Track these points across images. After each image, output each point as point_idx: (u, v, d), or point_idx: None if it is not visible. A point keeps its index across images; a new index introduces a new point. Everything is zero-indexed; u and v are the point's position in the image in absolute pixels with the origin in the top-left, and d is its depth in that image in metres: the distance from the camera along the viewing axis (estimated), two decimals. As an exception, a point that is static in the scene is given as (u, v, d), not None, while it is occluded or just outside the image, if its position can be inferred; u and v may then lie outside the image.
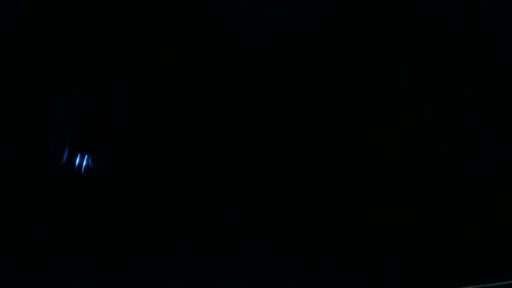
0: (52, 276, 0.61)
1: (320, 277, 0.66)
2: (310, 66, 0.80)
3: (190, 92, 0.81)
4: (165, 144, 0.76)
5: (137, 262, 0.65)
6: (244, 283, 0.64)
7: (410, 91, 0.83)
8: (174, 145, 0.76)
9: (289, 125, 0.81)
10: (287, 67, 0.81)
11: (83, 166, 0.72)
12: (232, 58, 0.78)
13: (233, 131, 0.79)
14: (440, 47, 0.88)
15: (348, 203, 0.77)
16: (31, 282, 0.60)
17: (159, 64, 0.81)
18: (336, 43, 0.88)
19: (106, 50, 0.79)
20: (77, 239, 0.66)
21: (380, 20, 0.88)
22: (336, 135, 0.79)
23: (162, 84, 0.81)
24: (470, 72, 0.88)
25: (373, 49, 0.87)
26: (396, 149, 0.85)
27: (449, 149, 0.87)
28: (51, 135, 0.74)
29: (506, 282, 0.67)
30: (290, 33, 0.88)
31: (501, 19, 0.90)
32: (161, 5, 0.80)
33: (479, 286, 0.66)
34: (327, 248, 0.71)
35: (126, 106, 0.77)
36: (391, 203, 0.79)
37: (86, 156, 0.73)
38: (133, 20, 0.81)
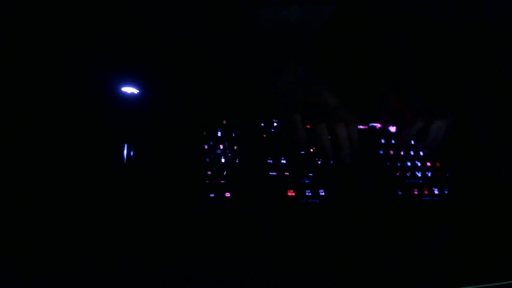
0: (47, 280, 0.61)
1: (319, 277, 0.66)
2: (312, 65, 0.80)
3: (191, 91, 0.81)
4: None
5: (137, 263, 0.65)
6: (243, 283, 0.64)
7: (410, 90, 0.84)
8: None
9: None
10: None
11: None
12: (231, 57, 0.78)
13: (234, 129, 0.80)
14: (439, 47, 0.88)
15: (347, 203, 0.77)
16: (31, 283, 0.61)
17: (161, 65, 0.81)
18: (337, 43, 0.89)
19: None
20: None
21: (379, 19, 0.88)
22: (338, 134, 0.79)
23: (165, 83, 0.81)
24: (470, 72, 0.88)
25: (372, 49, 0.87)
26: (396, 149, 0.85)
27: (449, 149, 0.87)
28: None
29: (506, 282, 0.67)
30: (293, 32, 0.88)
31: (501, 19, 0.90)
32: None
33: (479, 286, 0.66)
34: (326, 248, 0.71)
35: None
36: (390, 203, 0.79)
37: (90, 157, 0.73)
38: (135, 20, 0.81)
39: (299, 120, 0.74)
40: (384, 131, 0.86)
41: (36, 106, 0.75)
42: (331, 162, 0.76)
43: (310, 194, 0.76)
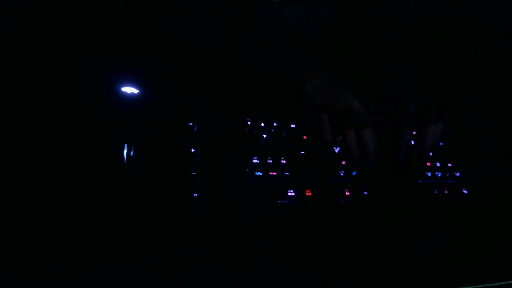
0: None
1: (319, 277, 0.66)
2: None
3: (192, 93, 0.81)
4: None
5: (137, 264, 0.65)
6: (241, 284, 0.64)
7: (409, 90, 0.84)
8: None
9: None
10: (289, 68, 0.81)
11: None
12: (229, 59, 0.78)
13: (236, 131, 0.80)
14: (440, 47, 0.88)
15: (346, 203, 0.77)
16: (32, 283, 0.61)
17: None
18: (337, 45, 0.89)
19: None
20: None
21: (378, 20, 0.88)
22: (338, 135, 0.79)
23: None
24: (470, 72, 0.88)
25: (371, 49, 0.87)
26: (396, 149, 0.85)
27: (449, 149, 0.87)
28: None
29: (506, 282, 0.67)
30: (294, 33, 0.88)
31: (501, 18, 0.90)
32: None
33: (479, 286, 0.66)
34: (326, 248, 0.71)
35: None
36: (390, 203, 0.80)
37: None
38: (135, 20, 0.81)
39: (326, 122, 0.75)
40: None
41: (36, 106, 0.75)
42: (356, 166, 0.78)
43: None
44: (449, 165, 0.87)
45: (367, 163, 0.77)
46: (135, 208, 0.70)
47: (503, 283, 0.66)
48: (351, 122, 0.75)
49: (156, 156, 0.74)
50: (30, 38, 0.78)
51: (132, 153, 0.74)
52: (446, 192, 0.83)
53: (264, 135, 0.81)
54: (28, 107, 0.75)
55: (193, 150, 0.76)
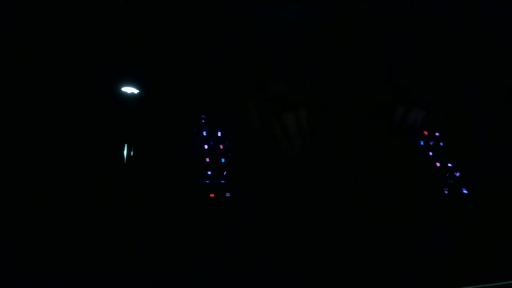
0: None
1: (319, 276, 0.66)
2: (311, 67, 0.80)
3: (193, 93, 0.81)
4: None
5: (138, 264, 0.65)
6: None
7: (409, 90, 0.84)
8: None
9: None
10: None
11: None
12: (229, 59, 0.78)
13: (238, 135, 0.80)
14: (439, 46, 0.88)
15: (345, 203, 0.77)
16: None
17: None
18: (336, 45, 0.89)
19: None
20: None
21: (378, 20, 0.88)
22: (337, 135, 0.79)
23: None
24: (470, 72, 0.88)
25: (371, 49, 0.87)
26: (395, 149, 0.85)
27: (449, 149, 0.87)
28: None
29: (506, 282, 0.67)
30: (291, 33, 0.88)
31: (502, 18, 0.90)
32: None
33: (479, 286, 0.66)
34: (326, 247, 0.71)
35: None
36: (390, 203, 0.80)
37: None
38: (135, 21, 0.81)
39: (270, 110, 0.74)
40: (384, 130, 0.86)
41: (36, 106, 0.75)
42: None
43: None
44: (449, 165, 0.87)
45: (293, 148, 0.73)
46: (135, 208, 0.70)
47: (503, 283, 0.66)
48: (282, 106, 0.73)
49: (155, 156, 0.74)
50: (30, 38, 0.78)
51: (132, 153, 0.74)
52: (446, 192, 0.83)
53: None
54: (29, 107, 0.75)
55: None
